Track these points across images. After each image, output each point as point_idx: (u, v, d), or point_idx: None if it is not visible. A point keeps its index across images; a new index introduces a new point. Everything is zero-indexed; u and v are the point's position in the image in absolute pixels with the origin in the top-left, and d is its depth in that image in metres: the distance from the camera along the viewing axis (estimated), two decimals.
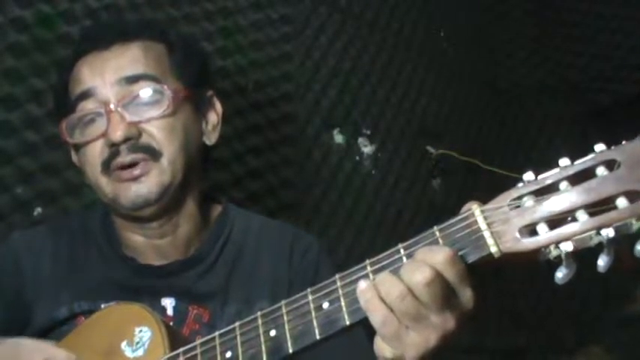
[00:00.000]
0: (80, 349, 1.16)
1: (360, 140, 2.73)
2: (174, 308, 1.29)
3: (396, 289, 0.88)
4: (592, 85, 3.72)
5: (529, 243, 0.85)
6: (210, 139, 1.37)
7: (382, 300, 0.89)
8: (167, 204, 1.28)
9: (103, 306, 1.27)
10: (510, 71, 3.57)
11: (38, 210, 1.78)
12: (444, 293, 0.87)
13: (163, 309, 1.29)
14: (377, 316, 0.89)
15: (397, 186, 2.81)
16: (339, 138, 2.65)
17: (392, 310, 0.88)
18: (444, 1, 3.31)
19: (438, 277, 0.87)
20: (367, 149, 2.74)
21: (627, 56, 3.59)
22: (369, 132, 2.75)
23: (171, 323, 1.25)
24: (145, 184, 1.24)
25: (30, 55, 1.85)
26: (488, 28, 3.55)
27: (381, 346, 0.91)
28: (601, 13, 3.66)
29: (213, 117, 1.39)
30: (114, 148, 1.23)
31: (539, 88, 3.67)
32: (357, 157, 2.70)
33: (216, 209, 1.43)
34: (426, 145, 3.00)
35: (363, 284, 0.91)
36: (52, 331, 1.28)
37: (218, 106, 1.40)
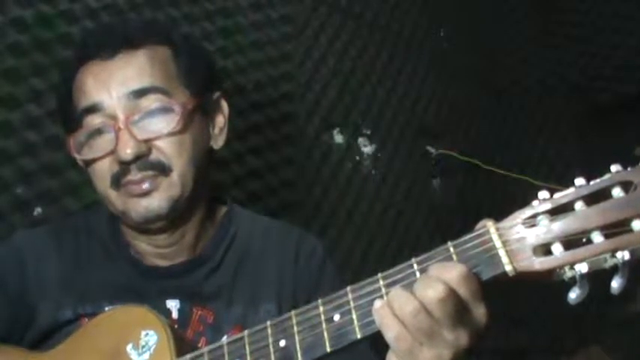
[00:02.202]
0: (85, 349, 1.15)
1: (360, 140, 2.73)
2: (179, 310, 1.29)
3: (410, 306, 0.87)
4: (592, 85, 3.72)
5: (544, 263, 0.86)
6: (218, 142, 1.35)
7: (396, 316, 0.88)
8: (177, 216, 1.27)
9: (107, 309, 1.26)
10: (510, 71, 3.57)
11: (38, 210, 1.78)
12: (458, 310, 0.87)
13: (168, 311, 1.28)
14: (391, 332, 0.88)
15: (397, 186, 2.81)
16: (339, 138, 2.65)
17: (405, 327, 0.88)
18: (444, 1, 3.31)
19: (452, 294, 0.86)
20: (367, 149, 2.74)
21: (627, 56, 3.59)
22: (369, 132, 2.76)
23: (175, 326, 1.25)
24: (156, 199, 1.22)
25: (30, 55, 1.84)
26: (488, 28, 3.55)
27: None
28: (601, 13, 3.66)
29: (220, 119, 1.36)
30: (124, 166, 1.22)
31: (539, 88, 3.67)
32: (357, 157, 2.70)
33: (221, 210, 1.41)
34: (426, 145, 3.00)
35: (378, 303, 0.90)
36: (55, 332, 1.27)
37: (225, 107, 1.37)
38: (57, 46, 1.89)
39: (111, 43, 1.26)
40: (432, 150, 3.01)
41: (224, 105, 1.37)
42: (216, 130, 1.35)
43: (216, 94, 1.36)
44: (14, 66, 1.81)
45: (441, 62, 3.19)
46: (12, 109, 1.79)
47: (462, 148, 3.09)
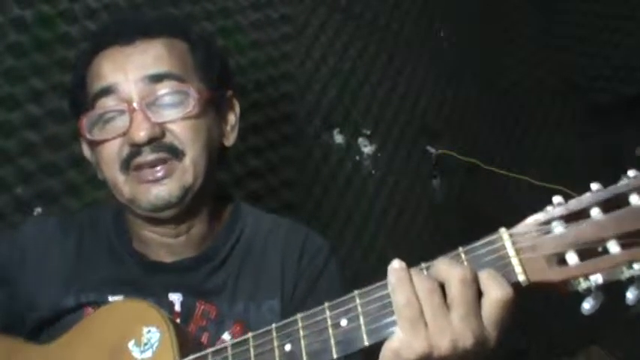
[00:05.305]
0: (85, 343, 1.14)
1: (360, 140, 2.73)
2: (182, 304, 1.28)
3: (428, 282, 0.86)
4: (592, 85, 3.72)
5: (558, 274, 0.83)
6: (229, 139, 1.36)
7: (412, 283, 0.87)
8: (186, 206, 1.26)
9: (110, 298, 1.26)
10: (510, 71, 3.57)
11: (38, 210, 1.78)
12: (474, 298, 0.85)
13: (171, 304, 1.27)
14: (402, 295, 0.86)
15: (397, 186, 2.81)
16: (339, 138, 2.65)
17: (418, 297, 0.86)
18: (444, 1, 3.31)
19: (475, 280, 0.85)
20: (367, 149, 2.74)
21: (627, 56, 3.59)
22: (369, 132, 2.76)
23: (178, 319, 1.24)
24: (167, 187, 1.21)
25: (30, 55, 1.84)
26: (489, 28, 3.55)
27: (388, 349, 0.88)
28: (601, 13, 3.66)
29: (232, 117, 1.37)
30: (135, 148, 1.20)
31: (539, 88, 3.67)
32: (357, 157, 2.70)
33: (228, 207, 1.41)
34: (426, 145, 3.00)
35: (396, 263, 0.89)
36: (58, 319, 1.27)
37: (237, 106, 1.38)
38: (57, 46, 1.89)
39: (129, 31, 1.26)
40: (432, 150, 3.01)
41: (236, 103, 1.38)
42: (228, 128, 1.36)
43: (229, 93, 1.37)
44: (14, 66, 1.81)
45: (441, 62, 3.19)
46: (12, 109, 1.79)
47: (462, 148, 3.09)
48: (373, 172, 2.74)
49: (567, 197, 0.85)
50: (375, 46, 2.91)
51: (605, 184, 0.83)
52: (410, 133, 2.94)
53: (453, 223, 2.93)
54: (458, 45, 3.31)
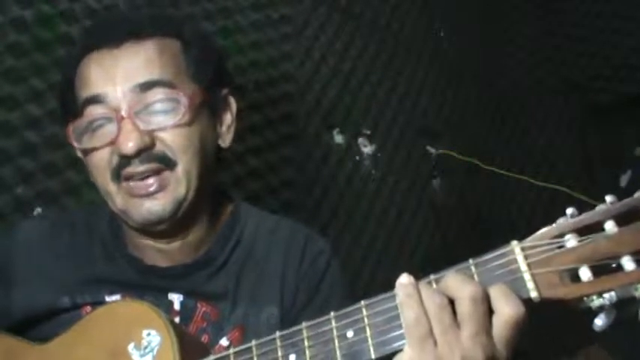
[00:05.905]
0: (85, 344, 1.13)
1: (360, 140, 2.73)
2: (182, 303, 1.26)
3: (438, 298, 0.84)
4: (592, 85, 3.72)
5: (571, 291, 0.80)
6: (225, 140, 1.32)
7: (421, 299, 0.85)
8: (180, 218, 1.22)
9: (107, 298, 1.24)
10: (510, 71, 3.58)
11: (38, 210, 1.78)
12: (485, 317, 0.83)
13: (170, 303, 1.25)
14: (411, 313, 0.84)
15: (397, 186, 2.81)
16: (339, 138, 2.65)
17: (427, 313, 0.84)
18: (444, 1, 3.32)
19: (486, 298, 0.83)
20: (367, 149, 2.74)
21: (627, 56, 3.60)
22: (369, 132, 2.76)
23: (177, 318, 1.23)
24: (160, 201, 1.18)
25: (30, 55, 1.84)
26: (488, 28, 3.55)
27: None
28: (601, 13, 3.67)
29: (228, 117, 1.33)
30: (125, 159, 1.17)
31: (539, 88, 3.67)
32: (357, 157, 2.70)
33: (228, 208, 1.37)
34: (426, 145, 3.00)
35: (405, 278, 0.87)
36: (53, 317, 1.26)
37: (233, 104, 1.34)
38: (57, 46, 1.89)
39: (118, 32, 1.21)
40: (432, 150, 3.01)
41: (232, 102, 1.34)
42: (224, 128, 1.32)
43: (225, 91, 1.32)
44: (14, 66, 1.81)
45: (441, 62, 3.19)
46: (12, 109, 1.79)
47: (462, 148, 3.09)
48: (373, 172, 2.74)
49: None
50: (375, 46, 2.91)
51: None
52: (410, 133, 2.94)
53: (453, 223, 2.93)
54: (458, 45, 3.31)
